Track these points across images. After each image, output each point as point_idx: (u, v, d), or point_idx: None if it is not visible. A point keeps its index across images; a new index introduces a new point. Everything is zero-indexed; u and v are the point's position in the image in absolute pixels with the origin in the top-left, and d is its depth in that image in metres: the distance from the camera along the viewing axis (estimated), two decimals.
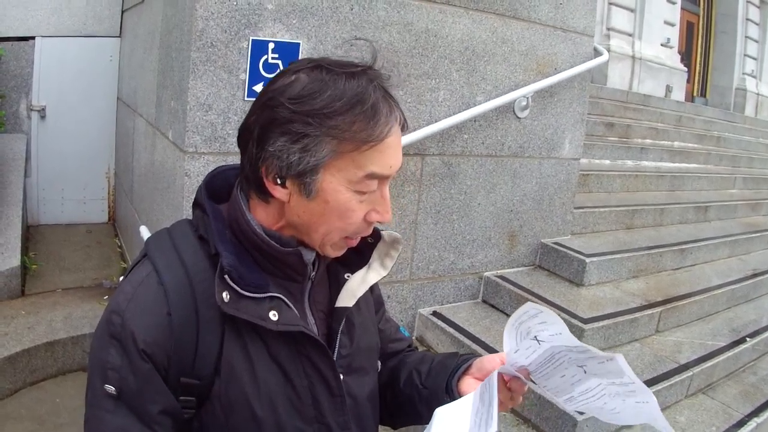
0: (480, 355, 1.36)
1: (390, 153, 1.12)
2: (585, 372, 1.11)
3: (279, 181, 1.11)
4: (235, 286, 1.09)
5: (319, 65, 1.10)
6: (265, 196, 1.14)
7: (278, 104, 1.08)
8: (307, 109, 1.05)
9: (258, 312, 1.11)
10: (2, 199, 5.14)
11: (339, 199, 1.10)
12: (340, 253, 1.21)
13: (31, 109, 6.35)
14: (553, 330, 1.14)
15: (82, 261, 5.56)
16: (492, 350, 3.77)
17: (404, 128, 1.17)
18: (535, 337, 1.16)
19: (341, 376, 1.23)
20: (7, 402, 3.68)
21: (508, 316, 3.94)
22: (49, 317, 4.25)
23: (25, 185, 5.84)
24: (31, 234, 6.04)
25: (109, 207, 6.85)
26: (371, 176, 1.10)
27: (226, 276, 1.09)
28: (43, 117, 6.38)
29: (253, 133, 1.11)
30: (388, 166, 1.12)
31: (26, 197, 5.96)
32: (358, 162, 1.08)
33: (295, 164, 1.07)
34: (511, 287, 4.32)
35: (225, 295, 1.08)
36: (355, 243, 1.21)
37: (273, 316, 1.12)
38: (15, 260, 4.54)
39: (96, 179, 6.75)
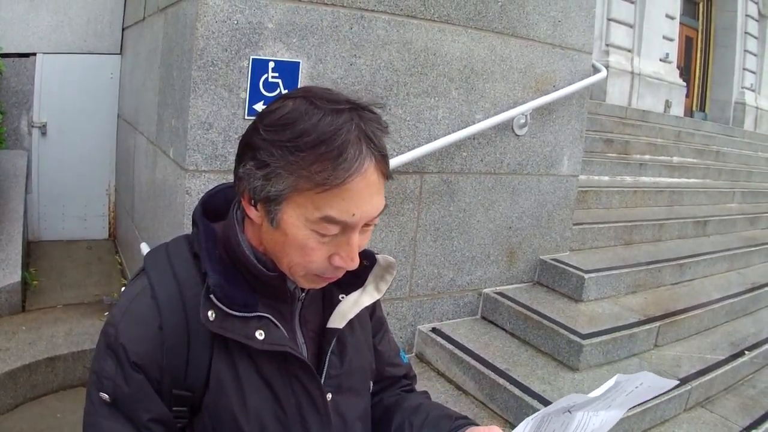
0: (474, 423, 1.33)
1: (353, 200, 1.05)
2: (570, 412, 1.13)
3: (252, 203, 1.11)
4: (220, 305, 1.10)
5: (306, 95, 1.08)
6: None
7: (256, 128, 1.09)
8: (275, 138, 1.04)
9: (244, 331, 1.12)
10: (3, 215, 5.16)
11: (297, 235, 1.08)
12: (314, 286, 1.20)
13: (32, 126, 6.37)
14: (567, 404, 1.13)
15: (82, 277, 5.56)
16: (490, 366, 3.79)
17: (387, 177, 1.12)
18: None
19: (329, 396, 1.24)
20: (8, 417, 3.68)
21: (507, 332, 3.95)
22: (50, 333, 4.25)
23: (26, 201, 5.86)
24: (31, 250, 6.05)
25: (109, 223, 6.87)
26: (328, 220, 1.06)
27: (211, 295, 1.10)
28: (44, 133, 6.41)
29: (238, 150, 1.14)
30: (349, 213, 1.06)
31: (27, 213, 5.96)
32: (316, 203, 1.05)
33: (259, 190, 1.07)
34: (511, 304, 4.33)
35: (210, 314, 1.10)
36: (329, 281, 1.19)
37: (259, 335, 1.13)
38: (16, 276, 4.55)
39: (97, 196, 6.77)
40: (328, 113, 1.04)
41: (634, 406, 3.38)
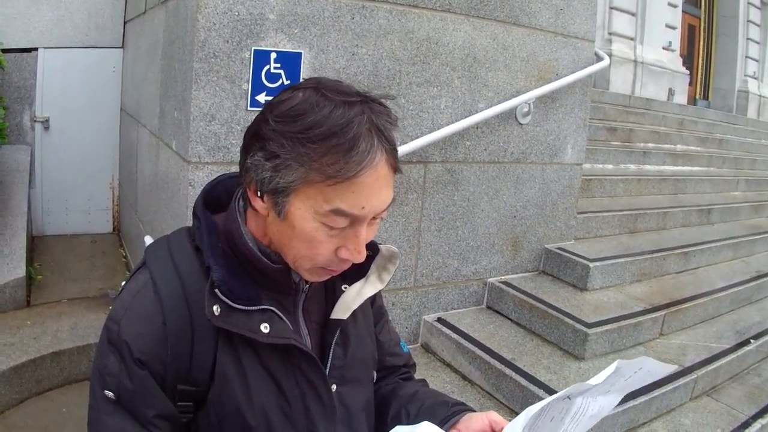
0: (471, 409, 1.33)
1: (363, 193, 1.04)
2: (570, 398, 1.12)
3: (258, 194, 1.10)
4: (225, 300, 1.09)
5: (316, 87, 1.06)
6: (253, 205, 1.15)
7: (265, 118, 1.07)
8: (285, 129, 1.03)
9: (249, 325, 1.11)
10: (7, 210, 5.16)
11: (304, 228, 1.07)
12: (318, 279, 1.19)
13: (35, 121, 6.35)
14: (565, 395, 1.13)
15: (87, 271, 5.56)
16: (496, 355, 3.79)
17: (397, 170, 1.11)
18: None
19: (334, 387, 1.23)
20: (13, 412, 3.68)
21: (513, 321, 3.94)
22: (55, 327, 4.25)
23: (30, 196, 5.85)
24: (35, 245, 6.05)
25: (113, 217, 6.86)
26: (338, 212, 1.05)
27: (216, 290, 1.09)
28: (46, 128, 6.39)
29: (245, 141, 1.12)
30: (359, 206, 1.05)
31: (30, 208, 5.96)
32: (326, 195, 1.04)
33: (267, 182, 1.06)
34: (516, 293, 4.33)
35: (215, 309, 1.09)
36: (333, 273, 1.18)
37: (264, 328, 1.12)
38: (20, 271, 4.55)
39: (100, 190, 6.76)
40: (339, 105, 1.03)
41: (640, 396, 3.39)
